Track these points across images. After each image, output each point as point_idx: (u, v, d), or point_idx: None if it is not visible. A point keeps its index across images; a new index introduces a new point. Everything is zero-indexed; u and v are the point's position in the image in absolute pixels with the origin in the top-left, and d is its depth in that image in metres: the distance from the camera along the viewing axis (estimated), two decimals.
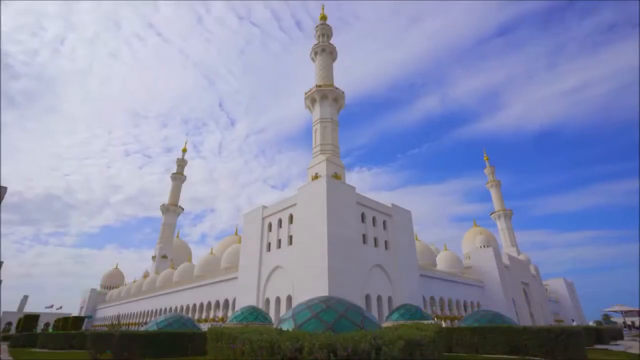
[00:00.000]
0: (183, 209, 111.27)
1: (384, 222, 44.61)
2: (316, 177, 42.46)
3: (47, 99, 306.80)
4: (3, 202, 19.23)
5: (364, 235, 40.40)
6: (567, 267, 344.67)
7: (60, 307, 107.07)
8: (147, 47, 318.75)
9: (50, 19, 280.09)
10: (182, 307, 61.80)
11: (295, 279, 36.64)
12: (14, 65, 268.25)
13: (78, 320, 51.86)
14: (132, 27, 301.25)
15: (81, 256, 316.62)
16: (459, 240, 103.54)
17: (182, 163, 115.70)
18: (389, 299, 40.12)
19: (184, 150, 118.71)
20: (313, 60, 58.21)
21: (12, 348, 31.06)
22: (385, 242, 43.46)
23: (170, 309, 65.30)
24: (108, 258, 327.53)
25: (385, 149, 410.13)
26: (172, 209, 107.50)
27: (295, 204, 40.84)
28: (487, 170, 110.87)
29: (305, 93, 53.16)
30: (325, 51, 56.65)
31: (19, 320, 56.45)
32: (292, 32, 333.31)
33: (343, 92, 52.90)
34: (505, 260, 70.01)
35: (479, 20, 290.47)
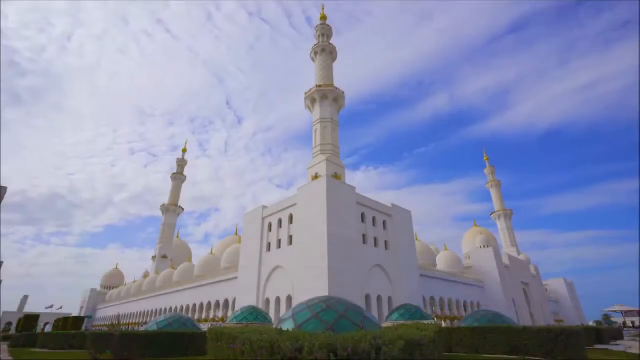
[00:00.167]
0: (183, 209, 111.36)
1: (384, 222, 44.61)
2: (316, 177, 42.47)
3: (54, 96, 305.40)
4: (3, 202, 19.22)
5: (364, 235, 40.40)
6: (568, 267, 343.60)
7: (61, 307, 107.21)
8: (156, 43, 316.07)
9: (58, 16, 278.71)
10: (182, 307, 61.80)
11: (295, 279, 36.64)
12: (21, 63, 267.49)
13: (78, 320, 51.83)
14: (140, 23, 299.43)
15: (83, 256, 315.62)
16: (459, 240, 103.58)
17: (182, 163, 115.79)
18: (389, 299, 40.12)
19: (184, 150, 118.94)
20: (313, 60, 58.22)
21: (12, 348, 31.06)
22: (385, 242, 43.46)
23: (170, 309, 65.30)
24: (111, 258, 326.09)
25: (392, 148, 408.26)
26: (172, 209, 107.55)
27: (295, 204, 40.84)
28: (487, 170, 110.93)
29: (305, 93, 53.18)
30: (325, 51, 56.66)
31: (19, 320, 56.42)
32: (302, 29, 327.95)
33: (343, 92, 52.91)
34: (505, 260, 70.02)
35: (491, 17, 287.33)
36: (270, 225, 44.89)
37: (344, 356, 5.90)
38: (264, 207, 46.90)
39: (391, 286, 41.01)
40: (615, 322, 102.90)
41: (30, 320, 53.46)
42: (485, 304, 61.43)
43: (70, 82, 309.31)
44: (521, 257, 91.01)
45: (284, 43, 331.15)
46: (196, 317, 55.77)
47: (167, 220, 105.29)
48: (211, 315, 53.93)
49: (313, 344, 6.16)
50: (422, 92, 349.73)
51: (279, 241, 42.61)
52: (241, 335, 7.72)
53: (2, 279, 23.91)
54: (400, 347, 6.33)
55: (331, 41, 59.56)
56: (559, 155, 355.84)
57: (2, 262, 22.03)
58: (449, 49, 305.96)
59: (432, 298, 52.41)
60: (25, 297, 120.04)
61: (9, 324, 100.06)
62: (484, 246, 74.41)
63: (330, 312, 11.45)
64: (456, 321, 50.67)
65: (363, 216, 41.47)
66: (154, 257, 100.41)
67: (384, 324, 22.13)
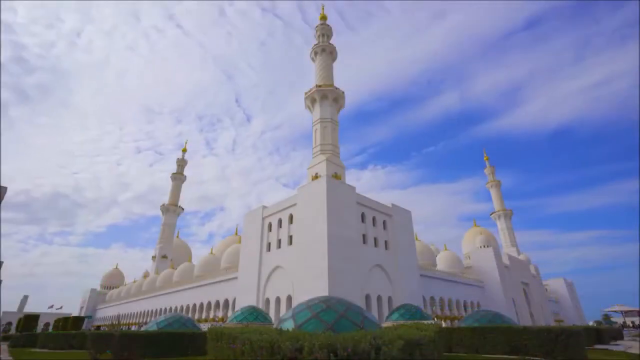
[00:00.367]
0: (183, 209, 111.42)
1: (384, 222, 44.62)
2: (316, 177, 42.48)
3: (60, 93, 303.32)
4: (3, 201, 19.23)
5: (364, 235, 40.40)
6: (571, 267, 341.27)
7: (61, 307, 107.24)
8: (166, 39, 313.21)
9: (68, 11, 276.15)
10: (182, 307, 61.81)
11: (295, 279, 36.64)
12: (29, 60, 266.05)
13: (78, 320, 51.89)
14: (151, 18, 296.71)
15: (86, 255, 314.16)
16: (459, 240, 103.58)
17: (182, 163, 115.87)
18: (389, 299, 40.12)
19: (184, 150, 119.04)
20: (313, 60, 58.25)
21: (12, 348, 31.05)
22: (385, 242, 43.46)
23: (170, 309, 65.32)
24: (113, 257, 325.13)
25: (400, 147, 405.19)
26: (172, 209, 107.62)
27: (295, 204, 40.85)
28: (487, 170, 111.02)
29: (305, 93, 53.19)
30: (325, 51, 56.68)
31: (19, 320, 56.49)
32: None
33: (343, 92, 52.93)
34: (505, 260, 70.02)
35: (505, 13, 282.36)
36: (270, 225, 44.89)
37: (344, 356, 5.90)
38: (264, 207, 46.91)
39: (391, 286, 41.01)
40: (615, 322, 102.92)
41: (30, 320, 53.54)
42: (485, 304, 61.43)
43: (78, 79, 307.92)
44: (521, 257, 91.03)
45: (296, 39, 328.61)
46: (196, 317, 55.77)
47: (167, 220, 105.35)
48: (211, 315, 53.93)
49: (313, 344, 6.17)
50: (432, 90, 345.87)
51: (279, 241, 42.61)
52: (241, 335, 7.72)
53: (2, 279, 23.92)
54: (400, 346, 6.33)
55: (331, 41, 59.60)
56: (567, 154, 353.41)
57: (2, 262, 22.03)
58: (460, 46, 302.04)
59: (432, 298, 52.41)
60: (26, 297, 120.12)
61: (9, 324, 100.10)
62: (484, 246, 74.41)
63: (330, 312, 11.45)
64: (456, 321, 50.67)
65: (363, 216, 41.47)
66: (154, 257, 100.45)
67: (384, 324, 22.13)
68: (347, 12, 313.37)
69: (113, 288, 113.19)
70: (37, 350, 27.41)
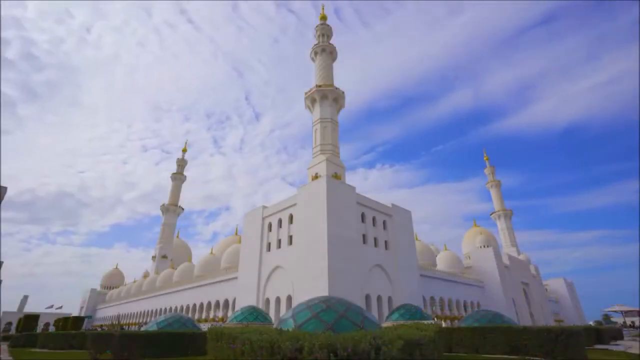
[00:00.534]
0: (183, 209, 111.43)
1: (384, 222, 44.62)
2: (316, 177, 42.49)
3: (69, 91, 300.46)
4: (3, 202, 19.23)
5: (364, 235, 40.40)
6: (571, 267, 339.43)
7: (60, 307, 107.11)
8: (177, 34, 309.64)
9: (78, 6, 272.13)
10: (182, 307, 61.81)
11: (295, 279, 36.64)
12: (39, 56, 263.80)
13: (78, 320, 51.87)
14: (163, 13, 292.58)
15: (88, 255, 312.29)
16: (459, 240, 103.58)
17: (182, 163, 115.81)
18: (389, 299, 40.13)
19: (184, 151, 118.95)
20: (313, 60, 58.24)
21: (12, 348, 31.04)
22: (385, 242, 43.47)
23: (170, 309, 65.31)
24: (116, 257, 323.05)
25: (410, 146, 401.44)
26: (172, 209, 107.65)
27: (295, 204, 40.85)
28: (487, 170, 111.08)
29: (305, 93, 53.18)
30: (325, 51, 56.68)
31: (19, 320, 56.42)
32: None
33: (343, 92, 52.94)
34: (505, 260, 70.02)
35: (524, 7, 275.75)
36: (270, 225, 44.89)
37: (344, 356, 5.90)
38: (264, 207, 46.91)
39: (391, 286, 41.01)
40: (615, 322, 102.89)
41: (30, 320, 53.45)
42: (485, 304, 61.43)
43: (87, 76, 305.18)
44: (521, 257, 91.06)
45: (309, 36, 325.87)
46: (196, 317, 55.77)
47: (167, 220, 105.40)
48: (211, 315, 53.93)
49: (313, 344, 6.17)
50: (444, 88, 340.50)
51: (279, 241, 42.61)
52: (241, 335, 7.72)
53: (2, 279, 23.92)
54: (400, 346, 6.33)
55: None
56: (575, 153, 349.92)
57: (2, 262, 22.03)
58: (475, 41, 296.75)
59: (432, 298, 52.41)
60: (25, 297, 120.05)
61: (9, 324, 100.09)
62: (484, 246, 74.44)
63: (330, 312, 11.45)
64: (456, 321, 50.67)
65: (363, 216, 41.48)
66: (154, 257, 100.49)
67: (384, 324, 22.13)
68: (362, 9, 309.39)
69: (113, 288, 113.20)
70: (37, 350, 27.40)
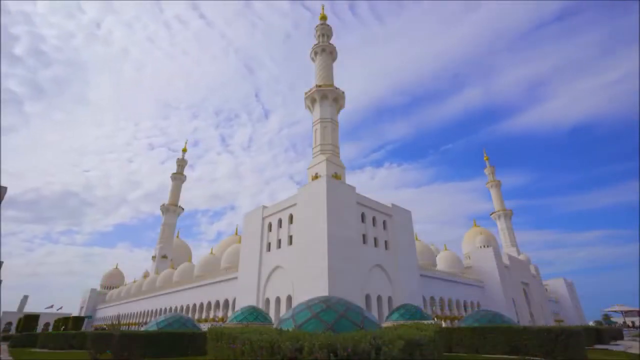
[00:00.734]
0: (183, 209, 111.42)
1: (384, 222, 44.62)
2: (316, 177, 42.49)
3: (77, 87, 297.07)
4: (4, 201, 19.22)
5: (364, 235, 40.40)
6: (572, 267, 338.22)
7: (61, 308, 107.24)
8: (188, 30, 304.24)
9: (90, 1, 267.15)
10: (182, 307, 61.80)
11: (295, 279, 36.64)
12: (48, 52, 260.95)
13: (78, 321, 51.89)
14: (175, 8, 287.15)
15: (91, 255, 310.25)
16: (459, 240, 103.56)
17: (182, 163, 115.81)
18: (389, 299, 40.13)
19: (184, 150, 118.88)
20: (313, 60, 58.25)
21: (12, 348, 31.03)
22: (385, 242, 43.46)
23: (170, 309, 65.31)
24: (119, 257, 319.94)
25: (419, 144, 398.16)
26: (172, 209, 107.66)
27: (295, 204, 40.85)
28: (487, 170, 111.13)
29: (305, 93, 53.20)
30: (325, 51, 56.69)
31: (19, 320, 56.43)
32: (344, 16, 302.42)
33: (343, 92, 52.96)
34: (505, 260, 70.03)
35: (538, 4, 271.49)
36: (270, 225, 44.89)
37: (344, 356, 5.90)
38: (264, 207, 46.91)
39: (391, 286, 41.01)
40: (615, 322, 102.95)
41: (30, 320, 53.46)
42: (485, 304, 61.44)
43: (95, 72, 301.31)
44: (521, 257, 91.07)
45: None
46: (196, 317, 55.77)
47: (167, 220, 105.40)
48: (211, 315, 53.93)
49: (313, 344, 6.16)
50: (455, 85, 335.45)
51: (279, 241, 42.61)
52: (241, 335, 7.71)
53: (2, 279, 23.92)
54: (400, 347, 6.32)
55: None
56: (583, 152, 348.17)
57: (2, 262, 22.03)
58: (490, 37, 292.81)
59: (432, 298, 52.41)
60: (26, 297, 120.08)
61: (9, 324, 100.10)
62: (484, 246, 74.44)
63: (330, 312, 11.44)
64: (456, 321, 50.67)
65: (363, 216, 41.47)
66: (154, 257, 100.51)
67: (384, 324, 22.13)
68: (378, 4, 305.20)
69: (113, 288, 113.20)
70: (37, 350, 27.39)
